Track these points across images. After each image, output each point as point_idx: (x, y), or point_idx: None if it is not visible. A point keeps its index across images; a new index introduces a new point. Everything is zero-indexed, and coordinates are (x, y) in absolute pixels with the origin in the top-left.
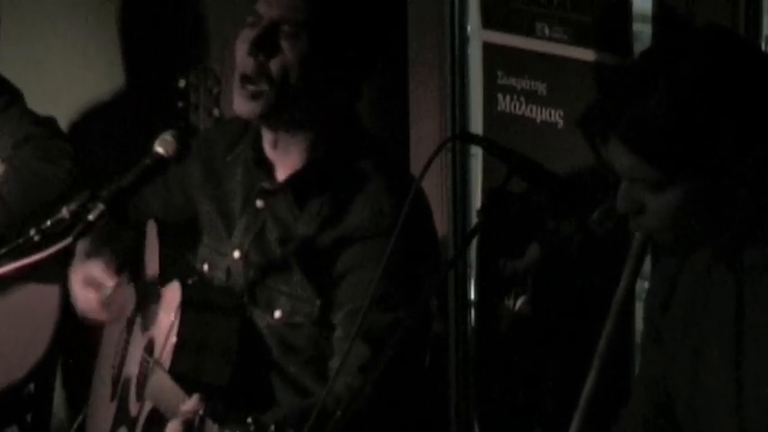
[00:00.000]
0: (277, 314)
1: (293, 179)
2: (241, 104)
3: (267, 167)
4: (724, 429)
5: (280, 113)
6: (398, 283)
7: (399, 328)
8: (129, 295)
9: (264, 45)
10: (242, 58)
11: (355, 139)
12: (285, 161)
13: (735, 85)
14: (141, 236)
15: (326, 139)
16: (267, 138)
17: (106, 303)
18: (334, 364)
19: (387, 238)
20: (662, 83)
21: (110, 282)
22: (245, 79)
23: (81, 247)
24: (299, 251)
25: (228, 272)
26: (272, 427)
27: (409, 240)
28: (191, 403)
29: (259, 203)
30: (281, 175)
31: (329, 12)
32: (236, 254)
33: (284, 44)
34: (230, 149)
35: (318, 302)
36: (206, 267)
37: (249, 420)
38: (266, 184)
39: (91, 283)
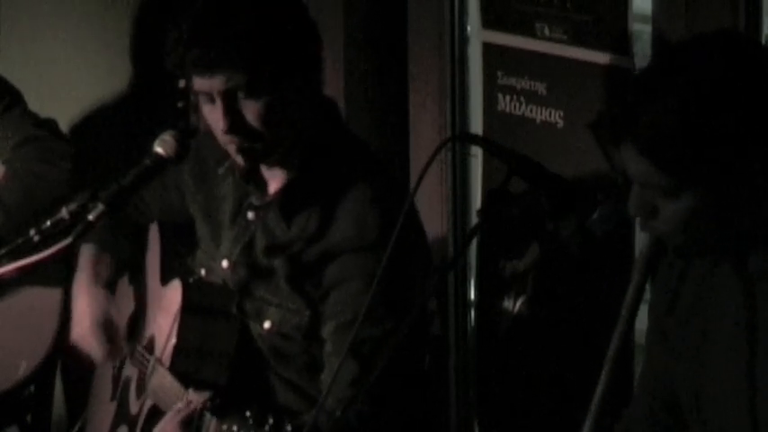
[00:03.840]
0: (266, 325)
1: (279, 195)
2: (239, 161)
3: (257, 182)
4: (734, 428)
5: (273, 153)
6: (387, 297)
7: (390, 340)
8: (130, 294)
9: (235, 120)
10: (221, 135)
11: (339, 143)
12: (275, 174)
13: (748, 91)
14: (143, 236)
15: (312, 148)
16: None
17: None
18: (326, 377)
19: (372, 251)
20: (674, 90)
21: (123, 338)
22: (237, 150)
23: (83, 260)
24: (287, 265)
25: (223, 279)
26: (271, 421)
27: (397, 253)
28: (198, 395)
29: (250, 215)
30: (272, 187)
31: (262, 56)
32: (225, 263)
33: (246, 105)
34: (220, 161)
35: (307, 313)
36: (203, 272)
37: (248, 414)
38: (255, 200)
39: (106, 330)
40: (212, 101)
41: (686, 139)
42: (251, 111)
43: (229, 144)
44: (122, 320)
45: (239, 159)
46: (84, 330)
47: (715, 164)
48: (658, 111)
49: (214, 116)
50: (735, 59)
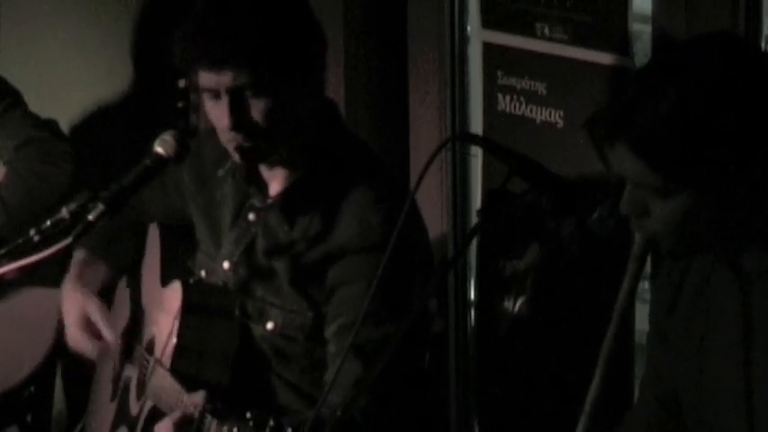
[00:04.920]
0: (269, 326)
1: (282, 197)
2: (240, 159)
3: (258, 184)
4: (733, 429)
5: (273, 153)
6: (389, 298)
7: (392, 340)
8: (130, 295)
9: (240, 117)
10: (223, 132)
11: (340, 144)
12: (276, 176)
13: (743, 94)
14: (142, 237)
15: (313, 150)
16: None
17: (98, 352)
18: (329, 378)
19: (375, 252)
20: (671, 90)
21: (106, 331)
22: (236, 148)
23: (76, 260)
24: (289, 266)
25: (224, 280)
26: (271, 423)
27: (399, 254)
28: (196, 397)
29: (251, 217)
30: (274, 189)
31: (271, 54)
32: (226, 264)
33: (251, 103)
34: (220, 162)
35: (310, 315)
36: (203, 273)
37: (248, 416)
38: (256, 202)
39: (87, 327)
40: (217, 97)
41: (682, 139)
42: (257, 109)
43: (230, 142)
44: (108, 318)
45: (236, 158)
46: (70, 331)
47: (710, 165)
48: (654, 111)
49: (218, 113)
50: (732, 61)
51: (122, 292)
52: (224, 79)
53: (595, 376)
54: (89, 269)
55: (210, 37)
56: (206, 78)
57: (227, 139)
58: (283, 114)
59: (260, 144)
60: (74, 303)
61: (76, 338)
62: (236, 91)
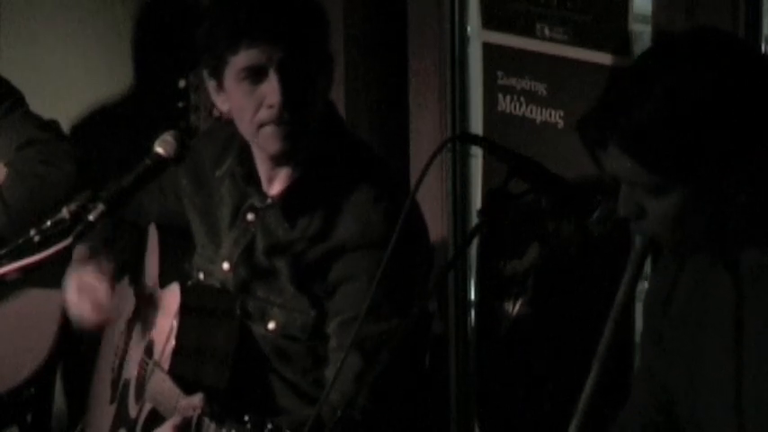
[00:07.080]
0: (271, 325)
1: (282, 196)
2: (276, 143)
3: (256, 183)
4: (724, 428)
5: (304, 141)
6: (391, 293)
7: (393, 336)
8: (129, 297)
9: (290, 94)
10: (261, 114)
11: (341, 143)
12: (275, 175)
13: (733, 90)
14: (142, 239)
15: (313, 148)
16: (262, 155)
17: (98, 306)
18: (330, 373)
19: (376, 248)
20: (660, 88)
21: (101, 285)
22: (281, 121)
23: (77, 253)
24: (290, 265)
25: (222, 281)
26: (269, 426)
27: (401, 249)
28: (194, 399)
29: (250, 217)
30: (273, 189)
31: (316, 33)
32: (225, 265)
33: (297, 83)
34: (218, 163)
35: (313, 313)
36: (201, 276)
37: (246, 419)
38: (256, 201)
39: (83, 289)
40: (257, 78)
41: (670, 136)
42: (301, 88)
43: (271, 124)
44: (106, 285)
45: (276, 145)
46: (70, 295)
47: (700, 162)
48: (642, 108)
49: (254, 97)
50: (719, 57)
51: (124, 291)
52: (275, 54)
53: (590, 375)
54: (88, 258)
55: (262, 9)
56: (249, 56)
57: (271, 118)
58: (317, 99)
59: (299, 128)
60: (71, 277)
61: (75, 305)
62: (286, 66)
